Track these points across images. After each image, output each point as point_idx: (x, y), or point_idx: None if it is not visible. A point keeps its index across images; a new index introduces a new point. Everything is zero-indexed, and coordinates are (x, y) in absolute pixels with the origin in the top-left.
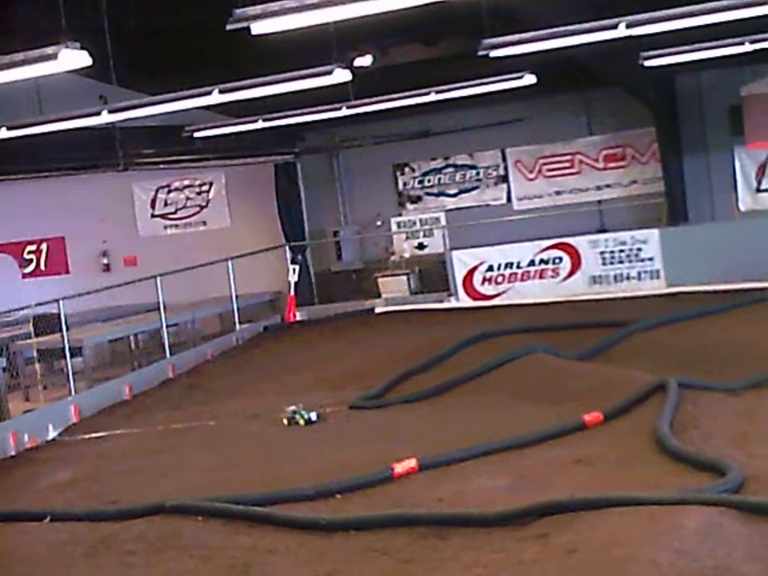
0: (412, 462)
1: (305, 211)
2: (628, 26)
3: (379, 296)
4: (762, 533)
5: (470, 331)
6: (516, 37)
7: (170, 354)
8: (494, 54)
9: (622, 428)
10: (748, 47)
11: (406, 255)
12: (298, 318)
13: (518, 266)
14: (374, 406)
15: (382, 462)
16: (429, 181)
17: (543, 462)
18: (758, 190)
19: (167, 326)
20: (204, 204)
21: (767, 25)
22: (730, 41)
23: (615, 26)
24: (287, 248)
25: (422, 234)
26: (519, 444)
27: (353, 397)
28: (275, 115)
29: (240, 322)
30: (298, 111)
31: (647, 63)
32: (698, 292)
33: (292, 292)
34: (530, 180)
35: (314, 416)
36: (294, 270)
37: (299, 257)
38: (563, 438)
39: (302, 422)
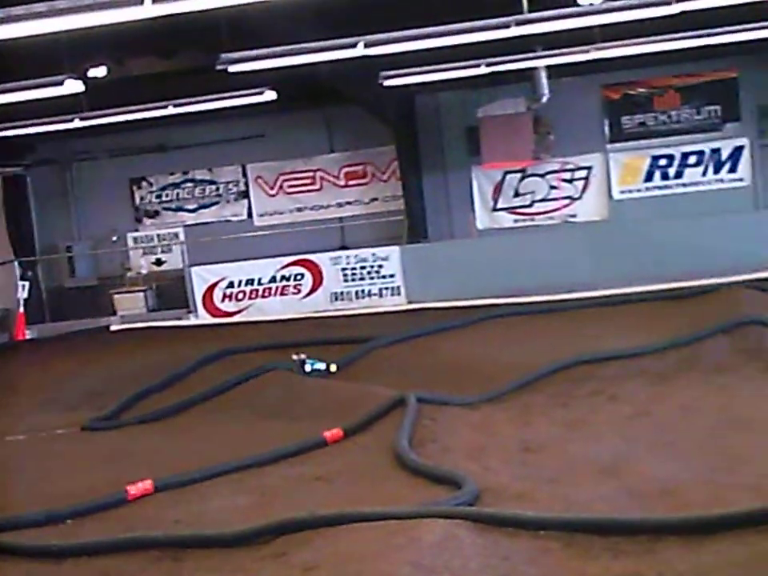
0: (147, 484)
1: (35, 225)
2: (366, 46)
3: (114, 313)
4: (496, 543)
5: (210, 348)
6: (254, 52)
7: None
8: (232, 68)
9: (362, 444)
10: (484, 69)
11: (144, 271)
12: (28, 336)
13: (260, 283)
14: (108, 427)
15: (116, 485)
16: (167, 196)
17: (284, 479)
18: (494, 209)
19: None
20: None
21: (503, 48)
22: (466, 63)
23: (354, 45)
24: (16, 263)
25: (159, 249)
26: (259, 462)
27: (87, 418)
28: (2, 125)
29: None
30: (28, 122)
31: (386, 83)
32: (437, 308)
33: (21, 309)
34: (272, 196)
35: (322, 366)
36: (24, 286)
37: (29, 273)
38: (304, 454)
39: (308, 368)
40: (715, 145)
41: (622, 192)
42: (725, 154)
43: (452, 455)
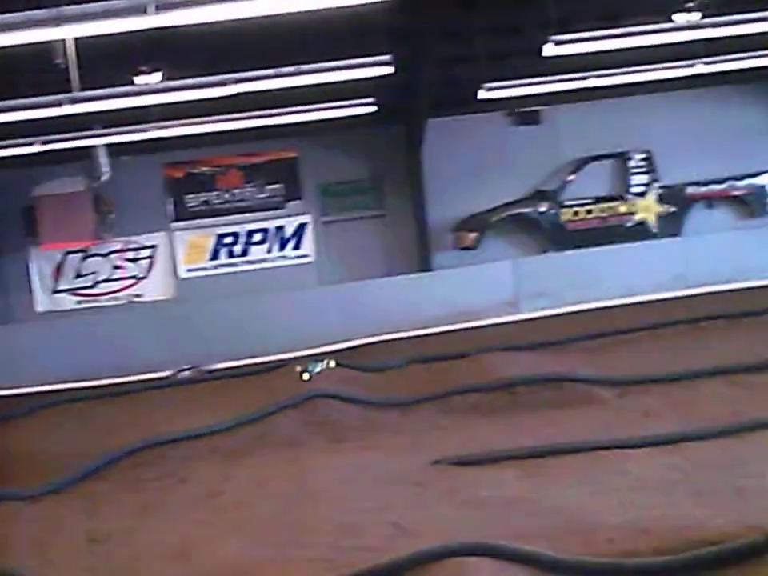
0: None
1: None
2: None
3: None
4: None
5: None
6: None
7: None
8: None
9: None
10: (39, 148)
11: None
12: None
13: None
14: None
15: None
16: None
17: None
18: (56, 291)
19: None
20: None
21: (59, 126)
22: (20, 141)
23: None
24: None
25: None
26: None
27: None
28: None
29: None
30: None
31: None
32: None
33: None
34: None
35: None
36: None
37: None
38: None
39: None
40: (279, 222)
41: (189, 270)
42: (289, 231)
43: (12, 551)
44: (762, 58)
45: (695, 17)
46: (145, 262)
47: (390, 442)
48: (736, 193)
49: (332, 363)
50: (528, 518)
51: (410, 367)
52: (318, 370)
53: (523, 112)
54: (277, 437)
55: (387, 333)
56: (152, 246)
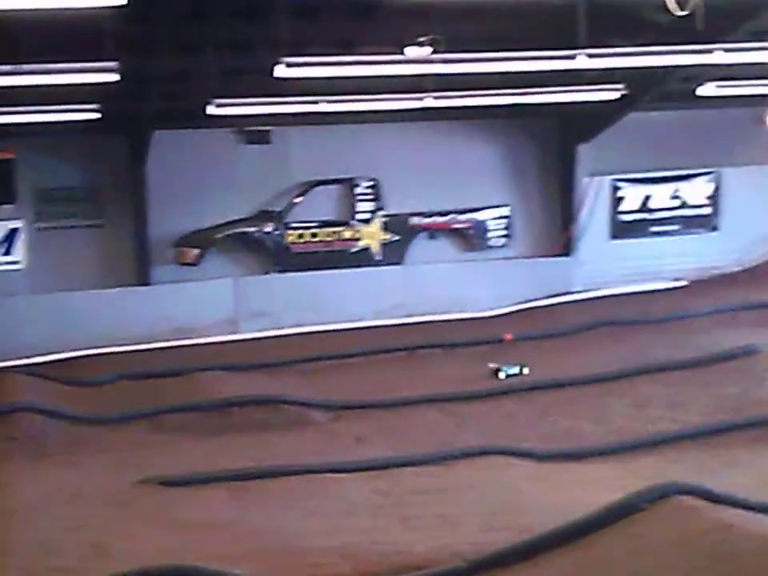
0: None
1: None
2: None
3: None
4: None
5: None
6: None
7: None
8: None
9: None
10: None
11: None
12: None
13: None
14: None
15: None
16: None
17: None
18: None
19: None
20: None
21: None
22: None
23: None
24: None
25: None
26: None
27: None
28: None
29: None
30: None
31: None
32: None
33: None
34: None
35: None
36: None
37: None
38: None
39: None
40: None
41: None
42: None
43: None
44: (489, 97)
45: (426, 51)
46: None
47: (94, 459)
48: (457, 226)
49: (526, 370)
50: (234, 540)
51: (120, 383)
52: (513, 371)
53: (253, 131)
54: None
55: (99, 346)
56: None
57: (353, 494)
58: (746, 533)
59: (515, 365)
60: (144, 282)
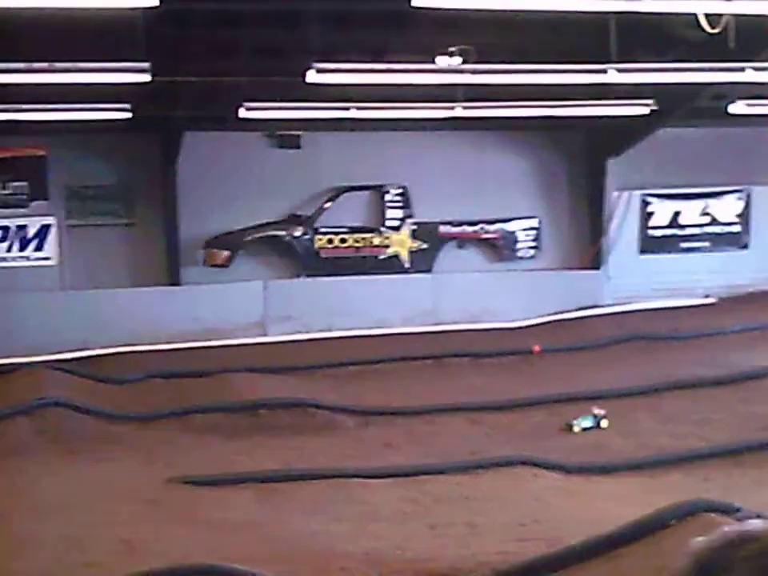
0: None
1: None
2: None
3: None
4: None
5: None
6: None
7: None
8: None
9: None
10: None
11: None
12: None
13: None
14: None
15: None
16: None
17: None
18: None
19: None
20: None
21: None
22: None
23: None
24: None
25: None
26: None
27: None
28: None
29: None
30: None
31: None
32: None
33: None
34: None
35: (589, 422)
36: None
37: None
38: None
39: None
40: (22, 221)
41: None
42: (31, 232)
43: None
44: (519, 109)
45: (457, 61)
46: None
47: (124, 456)
48: (486, 236)
49: (604, 423)
50: (261, 542)
51: (150, 381)
52: (588, 425)
53: (284, 135)
54: (4, 445)
55: (130, 344)
56: None
57: (380, 500)
58: None
59: (591, 416)
60: (174, 282)
